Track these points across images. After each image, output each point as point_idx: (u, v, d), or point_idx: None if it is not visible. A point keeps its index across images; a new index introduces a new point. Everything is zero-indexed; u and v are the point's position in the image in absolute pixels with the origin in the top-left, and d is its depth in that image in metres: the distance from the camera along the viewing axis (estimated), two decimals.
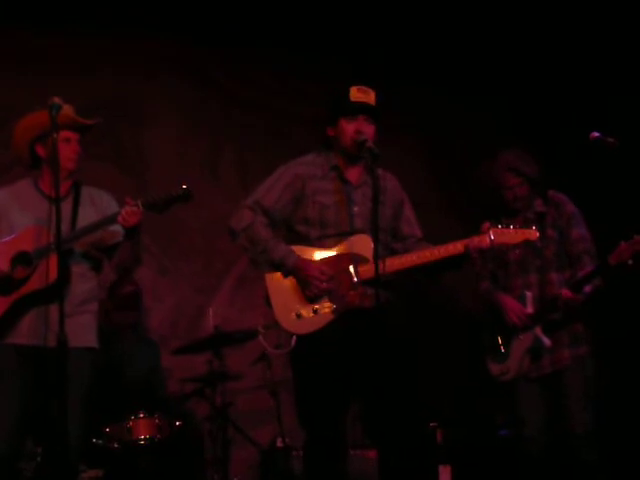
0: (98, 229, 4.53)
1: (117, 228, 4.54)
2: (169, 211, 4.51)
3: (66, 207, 4.55)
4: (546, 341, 4.97)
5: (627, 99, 6.67)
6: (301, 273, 4.35)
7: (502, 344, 5.10)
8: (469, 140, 7.48)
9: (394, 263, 4.31)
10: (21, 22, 6.46)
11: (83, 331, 4.53)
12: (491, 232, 4.37)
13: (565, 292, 4.90)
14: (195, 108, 7.05)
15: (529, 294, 5.03)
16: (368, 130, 4.40)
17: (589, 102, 6.87)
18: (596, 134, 4.79)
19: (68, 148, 4.60)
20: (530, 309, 5.01)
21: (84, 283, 4.60)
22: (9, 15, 6.38)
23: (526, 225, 4.90)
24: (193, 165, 7.01)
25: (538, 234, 4.49)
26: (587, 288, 4.93)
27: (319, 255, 4.39)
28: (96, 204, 4.69)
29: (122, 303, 6.22)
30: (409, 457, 4.34)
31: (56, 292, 4.35)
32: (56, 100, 4.10)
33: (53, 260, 4.32)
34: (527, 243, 4.51)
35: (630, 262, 4.74)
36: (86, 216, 4.55)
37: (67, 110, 4.49)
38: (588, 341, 5.07)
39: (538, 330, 4.98)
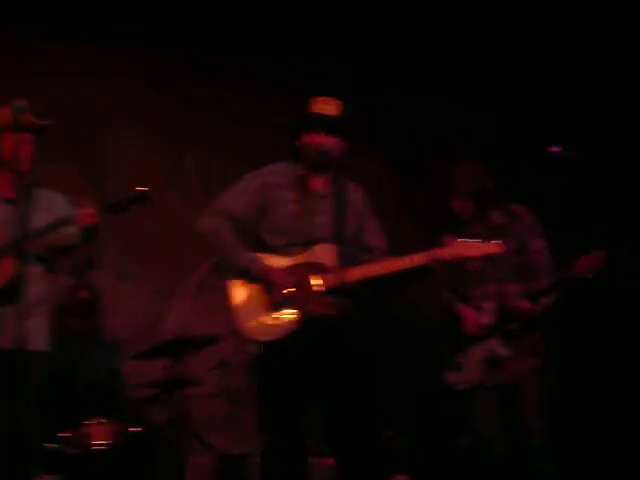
0: (54, 230, 4.51)
1: (72, 230, 4.52)
2: (126, 213, 4.50)
3: (19, 209, 4.52)
4: (502, 352, 5.01)
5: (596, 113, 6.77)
6: (265, 280, 4.36)
7: (460, 354, 5.14)
8: (431, 150, 7.53)
9: (356, 273, 4.32)
10: None
11: (36, 334, 4.47)
12: (454, 244, 4.39)
13: (523, 303, 4.97)
14: (158, 113, 7.04)
15: (487, 305, 5.07)
16: (329, 141, 4.42)
17: (551, 115, 6.93)
18: (556, 148, 4.84)
19: (23, 150, 4.55)
20: (487, 320, 5.05)
21: (37, 285, 4.55)
22: None
23: (486, 236, 5.00)
24: (156, 170, 6.99)
25: (502, 247, 4.51)
26: (545, 300, 4.99)
27: (283, 263, 4.39)
28: (51, 206, 4.65)
29: (78, 309, 6.18)
30: (367, 465, 4.34)
31: (11, 294, 4.34)
32: (20, 102, 4.09)
33: (9, 261, 4.31)
34: (490, 256, 4.54)
35: (589, 276, 4.79)
36: (40, 218, 4.49)
37: None
38: (544, 353, 5.13)
39: (495, 341, 5.02)
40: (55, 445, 5.43)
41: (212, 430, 6.49)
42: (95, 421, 5.50)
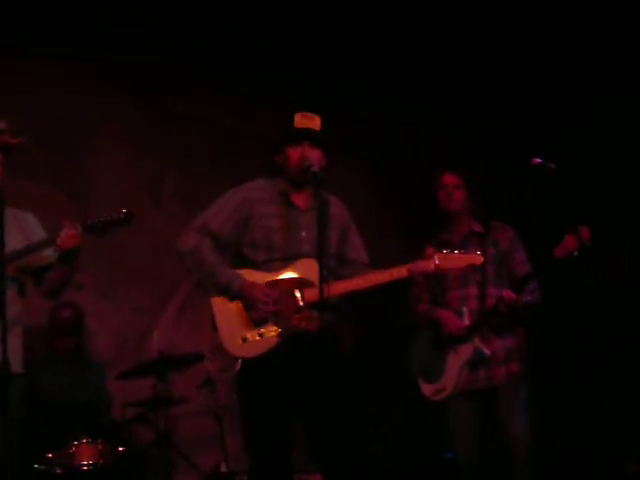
0: (35, 251, 4.49)
1: (47, 251, 4.51)
2: (109, 234, 4.49)
3: None
4: (487, 351, 5.00)
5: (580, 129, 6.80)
6: (246, 296, 4.36)
7: (436, 362, 5.12)
8: (410, 161, 7.55)
9: (339, 287, 4.33)
10: None
11: (13, 356, 4.29)
12: (436, 257, 4.42)
13: (507, 293, 4.96)
14: (138, 130, 7.02)
15: (465, 309, 5.08)
16: (313, 155, 4.44)
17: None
18: (538, 160, 4.88)
19: None
20: (467, 322, 5.05)
21: (11, 307, 4.47)
22: None
23: (465, 242, 5.11)
24: (136, 188, 6.97)
25: (483, 259, 4.56)
26: (527, 297, 5.02)
27: (265, 279, 4.39)
28: (23, 226, 4.60)
29: (61, 329, 6.17)
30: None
31: None
32: (1, 124, 4.08)
33: None
34: (471, 267, 4.58)
35: (576, 254, 4.78)
36: (12, 238, 4.36)
37: None
38: (522, 359, 5.14)
39: (477, 341, 5.01)
40: (42, 466, 5.41)
41: (199, 448, 6.47)
42: (81, 441, 5.49)
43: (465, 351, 5.03)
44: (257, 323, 4.35)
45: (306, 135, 4.47)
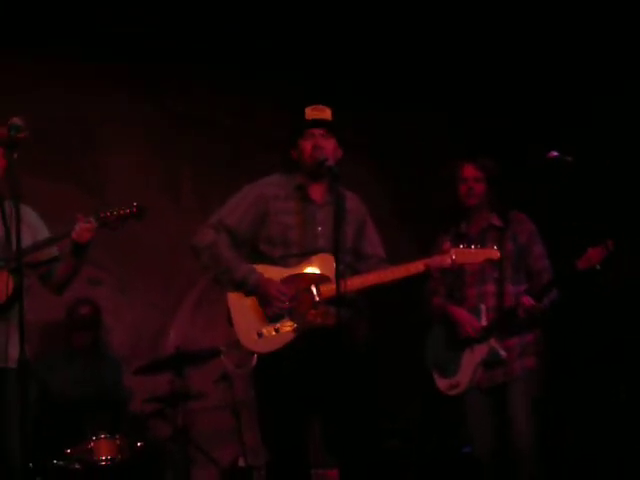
0: (52, 245, 4.52)
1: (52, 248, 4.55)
2: (122, 229, 4.51)
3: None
4: (502, 353, 4.98)
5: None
6: (262, 292, 4.36)
7: (451, 358, 5.09)
8: (422, 156, 7.53)
9: (355, 282, 4.33)
10: None
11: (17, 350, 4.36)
12: (453, 252, 4.41)
13: (527, 299, 4.91)
14: (155, 128, 7.02)
15: (483, 306, 5.03)
16: (326, 144, 4.45)
17: (545, 119, 6.93)
18: (554, 153, 4.86)
19: None
20: (484, 321, 5.01)
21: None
22: None
23: (483, 236, 5.04)
24: (152, 185, 6.97)
25: (499, 253, 4.55)
26: (546, 299, 4.96)
27: (282, 274, 4.40)
28: (25, 220, 4.55)
29: (80, 324, 6.20)
30: (370, 475, 4.34)
31: (3, 310, 4.35)
32: (16, 120, 4.09)
33: (4, 277, 4.32)
34: (488, 262, 4.57)
35: (598, 267, 4.77)
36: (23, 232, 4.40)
37: None
38: (539, 353, 5.10)
39: (493, 341, 4.98)
40: (60, 461, 5.44)
41: (216, 443, 6.48)
42: (100, 436, 5.51)
43: (480, 351, 5.01)
44: (272, 319, 4.36)
45: (316, 123, 4.47)
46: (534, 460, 4.93)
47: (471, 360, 5.03)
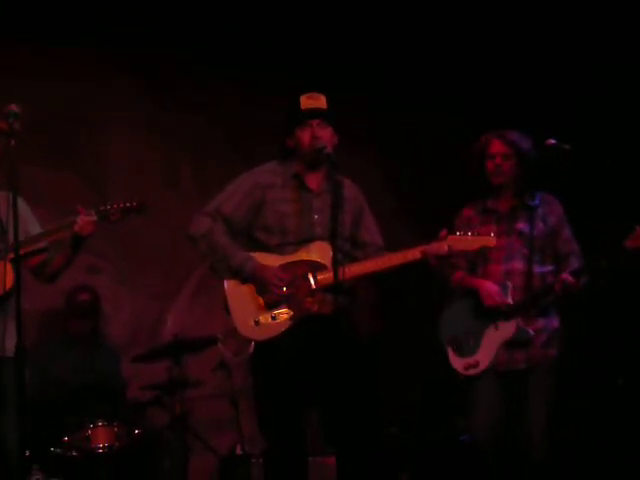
0: (51, 236, 4.52)
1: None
2: (122, 222, 4.51)
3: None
4: (531, 332, 4.80)
5: (587, 102, 6.74)
6: (259, 279, 4.36)
7: (470, 335, 4.90)
8: (423, 146, 7.53)
9: (352, 270, 4.33)
10: None
11: (13, 339, 4.26)
12: (449, 239, 4.41)
13: (566, 276, 4.74)
14: (154, 117, 7.01)
15: (510, 284, 4.84)
16: (323, 134, 4.43)
17: (544, 107, 6.92)
18: (552, 141, 4.83)
19: None
20: (509, 300, 4.82)
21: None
22: None
23: (513, 214, 4.92)
24: (152, 173, 6.98)
25: (495, 241, 4.50)
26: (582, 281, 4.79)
27: (278, 262, 4.39)
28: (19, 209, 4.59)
29: (78, 312, 6.20)
30: (368, 464, 4.34)
31: (3, 300, 4.35)
32: (13, 108, 4.08)
33: (2, 267, 4.32)
34: (484, 249, 4.53)
35: None
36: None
37: None
38: (562, 342, 4.94)
39: (520, 320, 4.81)
40: (58, 449, 5.45)
41: (214, 431, 6.50)
42: (97, 424, 5.53)
43: (507, 329, 4.81)
44: (269, 306, 4.36)
45: (313, 114, 4.46)
46: (545, 450, 4.82)
47: (495, 338, 4.84)
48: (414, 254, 4.40)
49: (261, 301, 4.37)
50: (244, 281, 4.40)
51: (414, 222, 7.23)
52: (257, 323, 4.36)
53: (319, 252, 4.38)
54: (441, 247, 4.40)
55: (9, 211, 4.19)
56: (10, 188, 4.08)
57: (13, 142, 4.06)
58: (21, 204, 4.60)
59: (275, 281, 4.34)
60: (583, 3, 6.50)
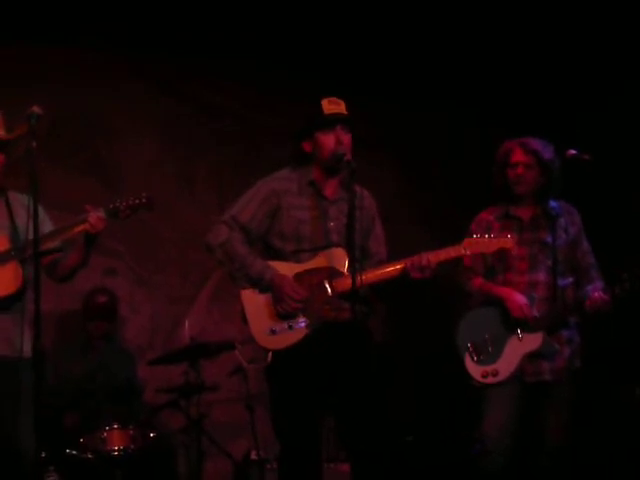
0: (64, 234, 4.53)
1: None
2: (132, 219, 4.52)
3: (0, 215, 4.56)
4: (556, 346, 4.77)
5: (597, 114, 6.72)
6: (277, 289, 4.35)
7: (491, 344, 4.81)
8: (438, 153, 7.53)
9: (370, 276, 4.31)
10: None
11: (30, 341, 4.26)
12: (465, 242, 4.40)
13: (600, 295, 4.68)
14: (170, 120, 7.01)
15: (535, 296, 4.78)
16: (346, 139, 4.42)
17: (559, 117, 6.90)
18: (573, 151, 4.81)
19: None
20: (535, 311, 4.75)
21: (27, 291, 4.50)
22: None
23: (535, 223, 4.87)
24: (169, 177, 6.98)
25: (512, 243, 4.48)
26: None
27: (294, 270, 4.38)
28: (27, 208, 4.59)
29: (96, 313, 6.21)
30: (383, 472, 4.33)
31: (14, 300, 4.37)
32: (35, 109, 4.09)
33: (13, 267, 4.34)
34: (502, 251, 4.53)
35: None
36: (23, 222, 4.35)
37: None
38: (582, 354, 4.90)
39: (545, 334, 4.75)
40: (73, 451, 5.47)
41: (229, 435, 6.50)
42: (113, 426, 5.53)
43: (532, 341, 4.74)
44: (283, 317, 4.36)
45: (338, 119, 4.45)
46: (557, 458, 4.79)
47: (518, 349, 4.77)
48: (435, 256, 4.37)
49: (275, 310, 4.36)
50: (263, 290, 4.40)
51: (428, 227, 7.23)
52: (274, 332, 4.35)
53: (334, 259, 4.38)
54: (458, 250, 4.39)
55: (27, 213, 4.23)
56: (30, 191, 4.09)
57: (34, 144, 4.07)
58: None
59: (292, 294, 4.32)
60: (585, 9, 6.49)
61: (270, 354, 4.37)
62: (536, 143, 4.88)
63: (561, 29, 6.72)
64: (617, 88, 6.77)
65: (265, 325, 4.37)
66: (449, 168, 7.57)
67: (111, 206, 4.47)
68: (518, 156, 4.86)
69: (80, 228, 4.45)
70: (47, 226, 4.58)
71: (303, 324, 4.35)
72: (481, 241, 4.44)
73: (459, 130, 7.49)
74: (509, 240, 4.46)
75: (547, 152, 4.86)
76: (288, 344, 4.34)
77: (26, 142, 4.16)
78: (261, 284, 4.39)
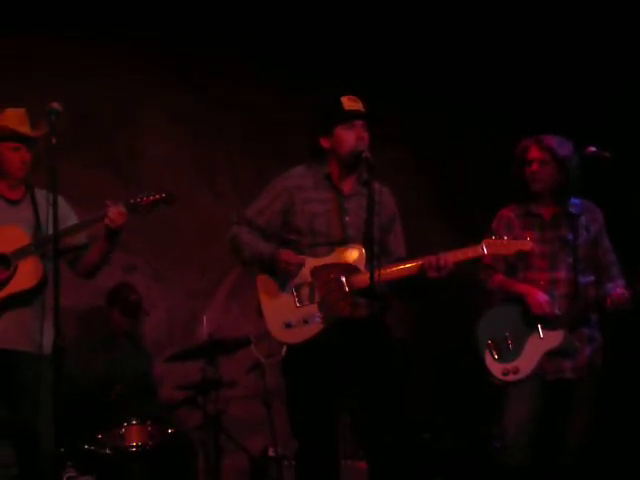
0: (85, 228, 4.55)
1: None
2: (151, 214, 4.53)
3: (25, 210, 4.59)
4: (577, 343, 4.74)
5: (597, 115, 6.69)
6: (277, 261, 4.33)
7: (511, 341, 4.77)
8: (456, 149, 7.50)
9: (387, 272, 4.29)
10: (16, 26, 6.42)
11: (50, 336, 4.30)
12: (484, 243, 4.38)
13: (620, 292, 4.68)
14: (189, 114, 7.02)
15: (557, 294, 4.76)
16: (366, 136, 4.42)
17: (558, 117, 6.87)
18: (592, 148, 4.78)
19: (16, 156, 4.57)
20: (556, 309, 4.73)
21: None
22: (4, 19, 6.35)
23: (556, 221, 4.85)
24: (187, 171, 6.99)
25: (531, 245, 4.46)
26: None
27: (312, 264, 4.37)
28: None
29: (126, 309, 6.23)
30: (400, 468, 4.33)
31: (34, 295, 4.39)
32: (55, 105, 4.11)
33: (33, 262, 4.36)
34: (521, 254, 4.52)
35: None
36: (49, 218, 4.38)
37: (8, 119, 4.53)
38: (604, 354, 4.88)
39: (566, 331, 4.73)
40: (91, 446, 5.48)
41: (247, 432, 6.50)
42: (131, 422, 5.55)
43: (553, 339, 4.72)
44: (293, 287, 4.35)
45: (359, 115, 4.44)
46: (580, 458, 4.78)
47: (539, 347, 4.74)
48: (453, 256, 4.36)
49: (293, 302, 4.35)
50: (269, 266, 4.37)
51: (446, 223, 7.22)
52: (289, 326, 4.34)
53: (351, 255, 4.37)
54: (476, 251, 4.37)
55: (48, 209, 4.25)
56: (50, 187, 4.10)
57: (54, 140, 4.08)
58: (61, 202, 4.63)
59: (287, 259, 4.30)
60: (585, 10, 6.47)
61: (285, 348, 4.37)
62: (552, 140, 4.84)
63: (561, 29, 6.73)
64: (617, 88, 6.74)
65: (280, 319, 4.36)
66: (449, 168, 7.57)
67: (132, 201, 4.47)
68: (533, 153, 4.84)
69: (100, 222, 4.47)
70: (72, 221, 4.59)
71: (319, 319, 4.34)
72: (500, 242, 4.41)
73: (459, 130, 7.46)
74: (528, 243, 4.44)
75: (563, 149, 4.82)
76: (303, 338, 4.33)
77: (46, 138, 4.19)
78: (265, 259, 4.37)
